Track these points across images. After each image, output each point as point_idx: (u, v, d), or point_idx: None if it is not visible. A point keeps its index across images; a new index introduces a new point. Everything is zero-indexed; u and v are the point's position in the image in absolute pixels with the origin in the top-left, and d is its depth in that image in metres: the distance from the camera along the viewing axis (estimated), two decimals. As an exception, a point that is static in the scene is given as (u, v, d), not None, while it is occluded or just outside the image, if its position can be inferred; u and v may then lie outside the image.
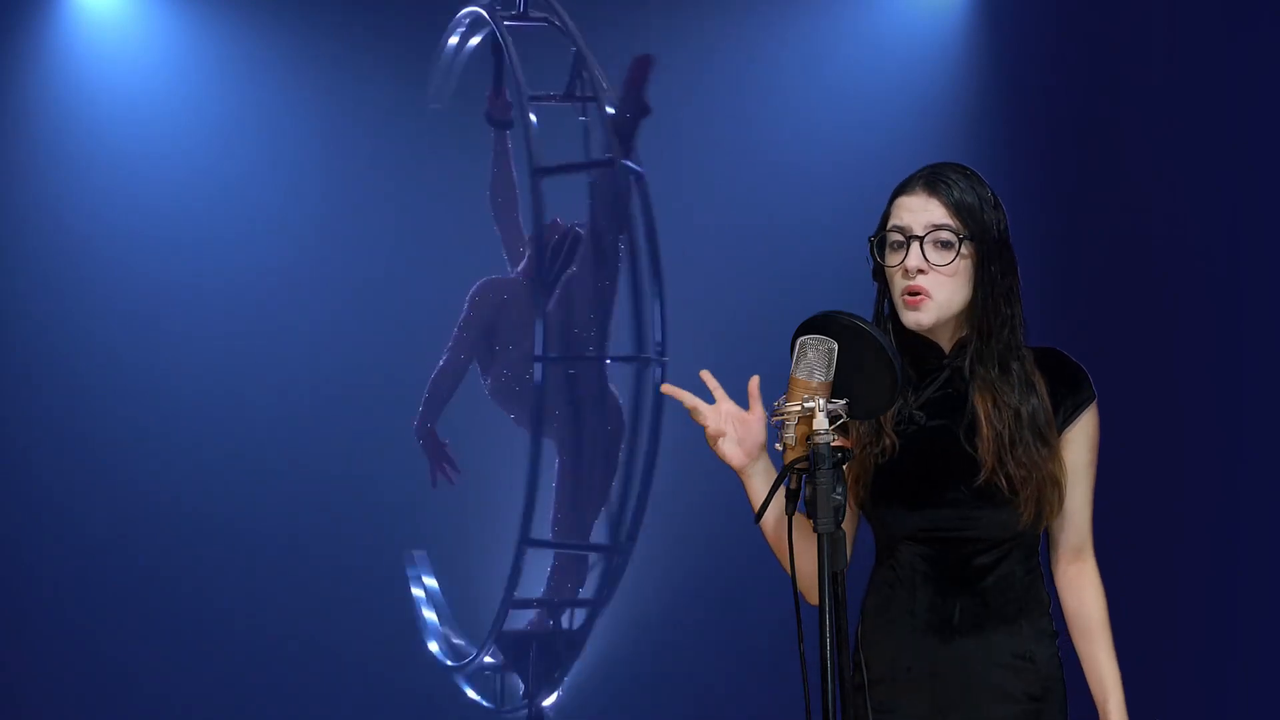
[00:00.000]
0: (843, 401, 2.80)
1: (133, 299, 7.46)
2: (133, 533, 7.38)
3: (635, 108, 7.29)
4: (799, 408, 2.78)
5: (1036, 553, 3.11)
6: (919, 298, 3.02)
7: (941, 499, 3.05)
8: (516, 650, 7.28)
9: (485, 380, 7.25)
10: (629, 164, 7.28)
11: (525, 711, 7.21)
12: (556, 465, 7.34)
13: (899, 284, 3.04)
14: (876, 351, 2.85)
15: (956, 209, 3.02)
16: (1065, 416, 3.08)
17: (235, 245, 7.54)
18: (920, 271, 3.01)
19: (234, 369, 7.51)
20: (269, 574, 7.41)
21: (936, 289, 3.02)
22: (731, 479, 7.54)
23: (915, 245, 3.02)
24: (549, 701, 7.29)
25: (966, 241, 3.02)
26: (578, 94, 7.27)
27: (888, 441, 3.04)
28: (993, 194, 3.08)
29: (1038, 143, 7.38)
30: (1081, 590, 3.11)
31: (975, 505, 3.03)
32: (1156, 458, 7.00)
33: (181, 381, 7.49)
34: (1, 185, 7.39)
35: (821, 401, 2.78)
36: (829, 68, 7.62)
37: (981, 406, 3.04)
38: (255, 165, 7.55)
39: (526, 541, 7.33)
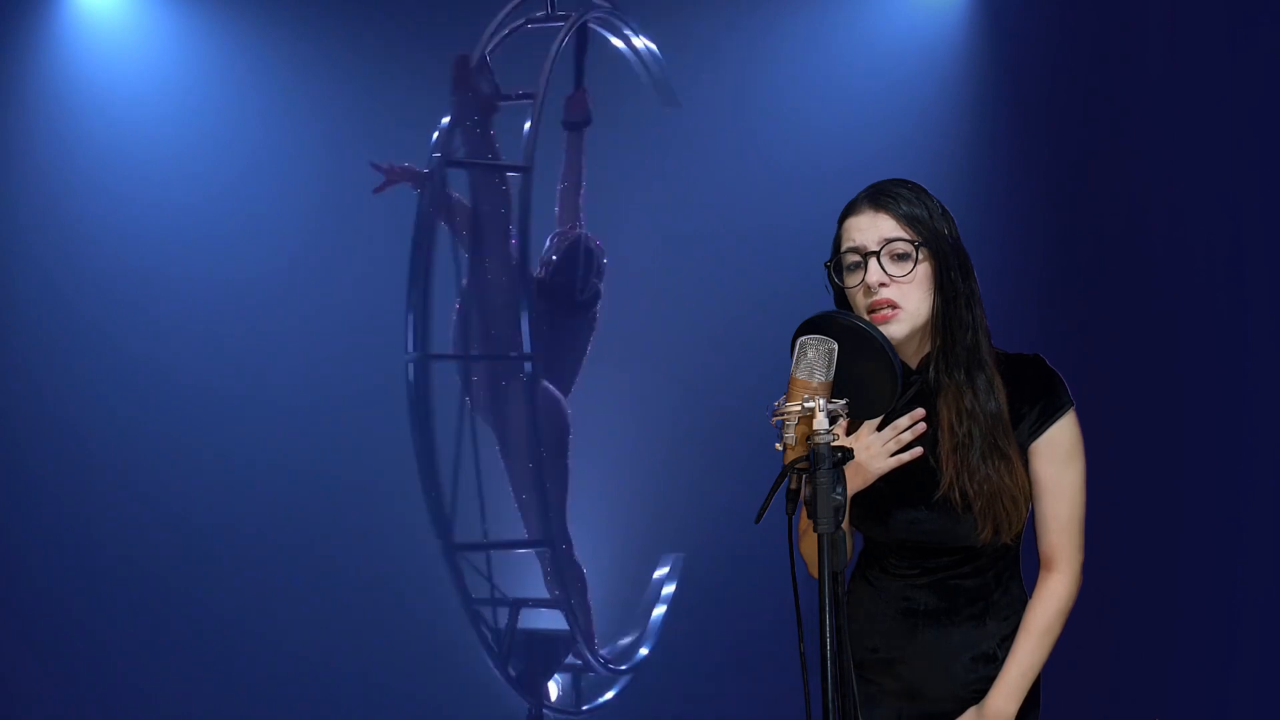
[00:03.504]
0: (842, 401, 2.81)
1: (132, 297, 7.47)
2: (132, 531, 7.39)
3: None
4: (799, 408, 2.79)
5: (1015, 556, 3.13)
6: (886, 312, 3.03)
7: (902, 515, 3.09)
8: (522, 652, 7.29)
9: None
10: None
11: (526, 711, 7.21)
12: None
13: (862, 303, 3.06)
14: (876, 352, 2.86)
15: (906, 220, 3.04)
16: (1032, 428, 3.08)
17: (234, 243, 7.55)
18: (882, 285, 3.03)
19: (233, 367, 7.52)
20: (268, 573, 7.42)
21: (903, 299, 3.04)
22: (732, 480, 7.60)
23: (872, 261, 3.04)
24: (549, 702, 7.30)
25: (922, 248, 3.04)
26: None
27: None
28: (940, 204, 3.09)
29: (1037, 143, 7.39)
30: (1033, 598, 3.11)
31: (935, 520, 3.07)
32: (1157, 458, 7.01)
33: (181, 379, 7.50)
34: (1, 184, 7.40)
35: (821, 401, 2.79)
36: (829, 68, 7.63)
37: (944, 416, 3.06)
38: (255, 164, 7.56)
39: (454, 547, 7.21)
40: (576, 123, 7.27)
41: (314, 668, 7.35)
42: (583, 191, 7.33)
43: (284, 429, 7.54)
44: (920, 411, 3.01)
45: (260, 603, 7.39)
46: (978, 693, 3.11)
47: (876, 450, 3.01)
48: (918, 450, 3.00)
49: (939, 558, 3.10)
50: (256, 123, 7.57)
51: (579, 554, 7.44)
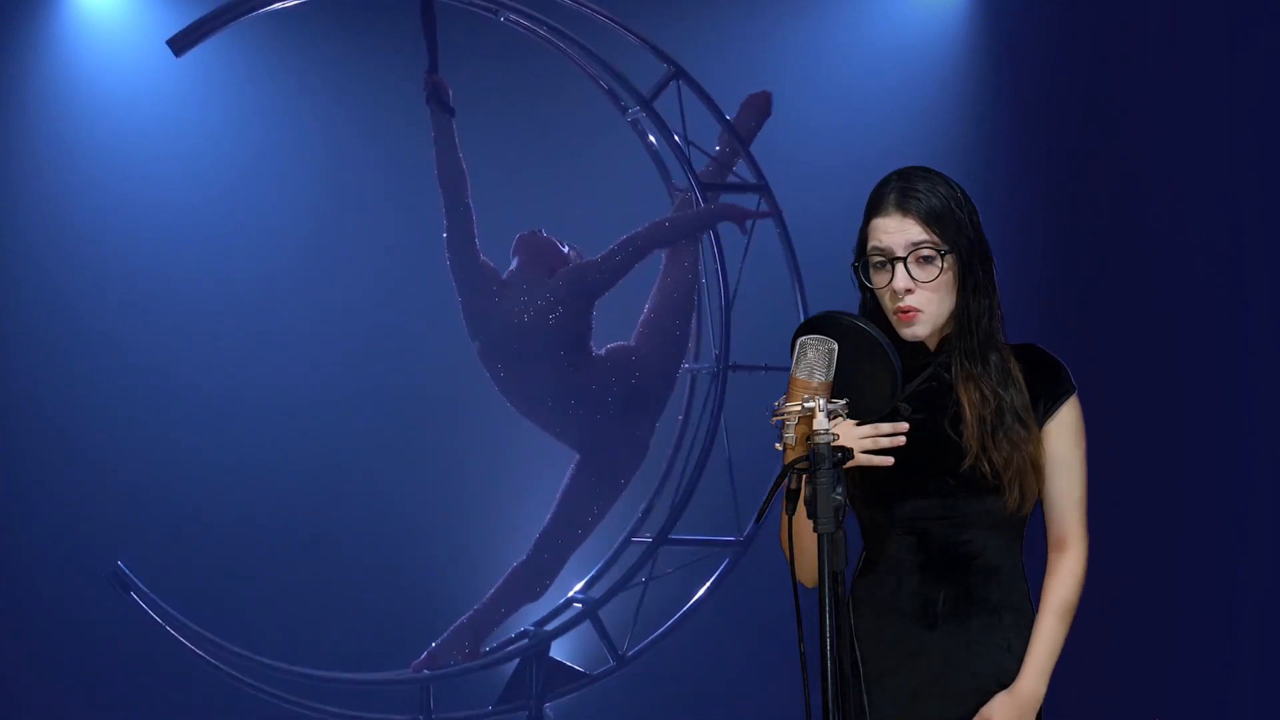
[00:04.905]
0: (842, 401, 2.81)
1: (132, 297, 7.46)
2: (131, 531, 7.38)
3: (748, 135, 7.39)
4: (799, 408, 2.79)
5: (1020, 542, 3.18)
6: (913, 314, 3.08)
7: (926, 489, 3.10)
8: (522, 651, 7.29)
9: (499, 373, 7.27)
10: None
11: (525, 712, 7.21)
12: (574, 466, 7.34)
13: (889, 304, 3.11)
14: (876, 352, 2.87)
15: (932, 221, 3.08)
16: (1045, 409, 3.14)
17: (235, 244, 7.55)
18: (908, 290, 3.08)
19: (233, 367, 7.52)
20: (268, 572, 7.41)
21: (927, 303, 3.10)
22: (737, 481, 7.55)
23: (900, 266, 3.08)
24: (549, 702, 7.29)
25: (948, 255, 3.09)
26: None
27: None
28: (960, 191, 3.14)
29: (1037, 143, 7.39)
30: (1049, 578, 3.17)
31: (959, 493, 3.09)
32: (1157, 458, 7.01)
33: (181, 379, 7.49)
34: (1, 184, 7.40)
35: (821, 401, 2.79)
36: (829, 68, 7.63)
37: (965, 395, 3.11)
38: (255, 164, 7.56)
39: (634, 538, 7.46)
40: (443, 105, 7.20)
41: (316, 667, 7.34)
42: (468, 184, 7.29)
43: (285, 429, 7.53)
44: (904, 425, 3.02)
45: (261, 602, 7.38)
46: (993, 688, 3.13)
47: (852, 443, 3.02)
48: (888, 459, 3.00)
49: (954, 546, 3.11)
50: (257, 122, 7.57)
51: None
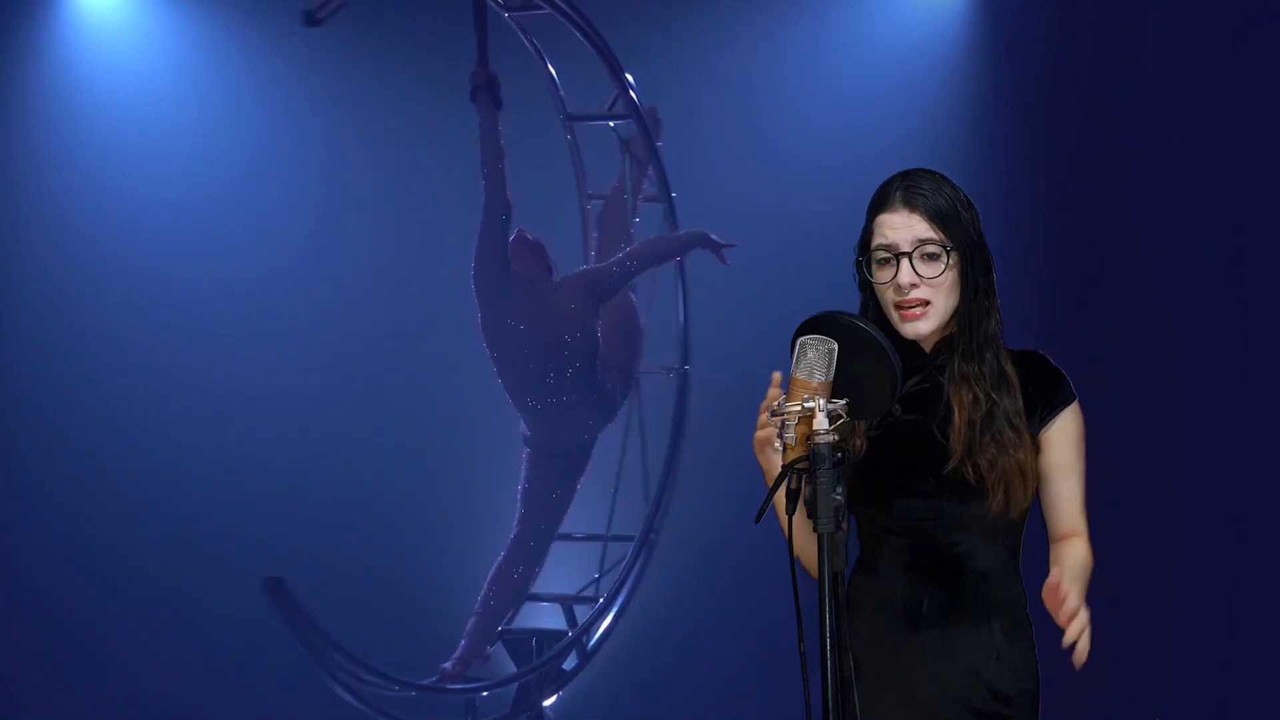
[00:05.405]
0: (842, 401, 2.81)
1: (132, 297, 7.47)
2: (131, 531, 7.38)
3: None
4: (799, 408, 2.79)
5: (1016, 550, 3.16)
6: (916, 310, 3.09)
7: (911, 490, 3.10)
8: (519, 650, 7.31)
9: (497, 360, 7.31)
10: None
11: (526, 712, 7.22)
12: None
13: (891, 299, 3.11)
14: (876, 352, 2.87)
15: (938, 219, 3.09)
16: (1042, 417, 3.14)
17: (235, 243, 7.55)
18: (913, 285, 3.08)
19: (233, 367, 7.52)
20: (269, 573, 7.41)
21: (933, 296, 3.10)
22: (737, 481, 7.58)
23: (905, 262, 3.09)
24: (549, 701, 7.30)
25: (953, 252, 3.09)
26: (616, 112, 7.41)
27: (858, 442, 3.11)
28: (964, 194, 3.15)
29: (1037, 143, 7.39)
30: (1063, 552, 3.11)
31: (943, 496, 3.09)
32: (1157, 458, 7.01)
33: (181, 379, 7.49)
34: (1, 184, 7.40)
35: (821, 401, 2.79)
36: (829, 68, 7.63)
37: (956, 398, 3.11)
38: (255, 164, 7.56)
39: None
40: (493, 98, 7.19)
41: (317, 668, 7.35)
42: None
43: (284, 429, 7.53)
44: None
45: (261, 603, 7.38)
46: (983, 697, 3.10)
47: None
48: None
49: (943, 548, 3.10)
50: (257, 122, 7.57)
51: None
